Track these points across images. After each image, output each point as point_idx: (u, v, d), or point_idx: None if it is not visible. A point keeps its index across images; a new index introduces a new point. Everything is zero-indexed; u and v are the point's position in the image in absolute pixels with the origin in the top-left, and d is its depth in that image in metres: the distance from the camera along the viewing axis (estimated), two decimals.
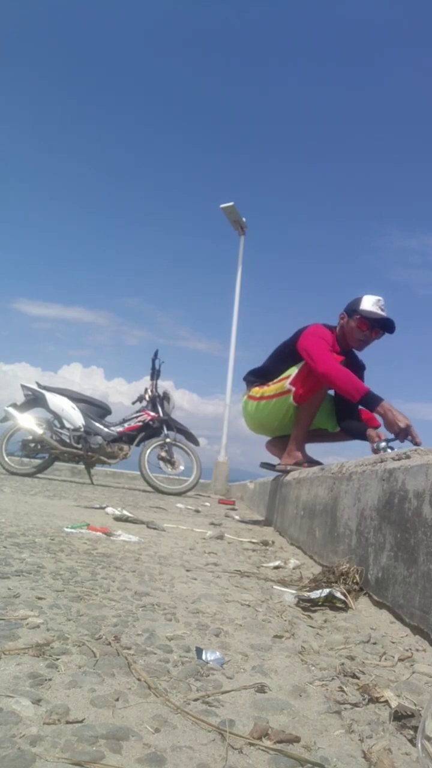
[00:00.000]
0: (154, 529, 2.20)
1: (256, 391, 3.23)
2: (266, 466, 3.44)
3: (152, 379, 5.95)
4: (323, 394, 3.03)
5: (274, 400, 3.13)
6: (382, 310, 2.92)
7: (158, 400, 5.81)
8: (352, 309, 2.95)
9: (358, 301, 2.94)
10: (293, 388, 2.97)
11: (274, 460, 3.38)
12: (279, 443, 3.32)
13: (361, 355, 3.16)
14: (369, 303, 2.91)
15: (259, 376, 3.28)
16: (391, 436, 2.60)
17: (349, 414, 3.15)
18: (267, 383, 3.19)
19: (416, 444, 2.58)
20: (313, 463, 2.95)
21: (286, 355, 3.09)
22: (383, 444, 2.62)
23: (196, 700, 0.61)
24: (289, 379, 2.99)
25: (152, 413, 5.71)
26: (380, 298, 2.93)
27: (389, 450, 2.53)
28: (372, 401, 2.66)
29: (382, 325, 2.93)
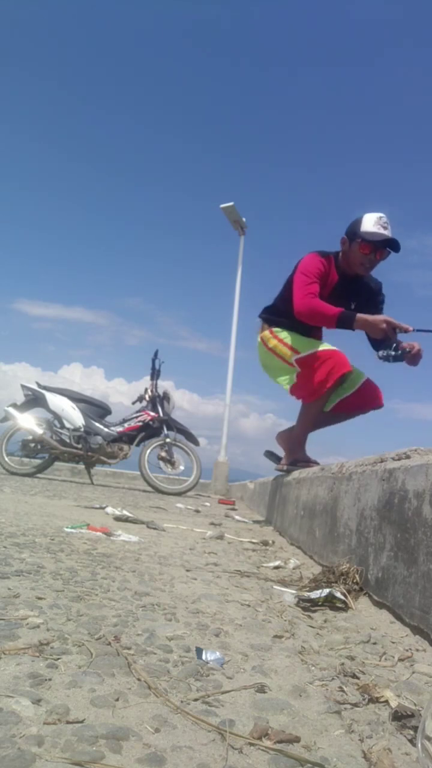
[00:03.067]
0: (154, 529, 2.20)
1: (268, 337, 3.07)
2: (269, 455, 3.39)
3: (152, 379, 5.95)
4: (326, 397, 2.95)
5: (280, 361, 3.01)
6: (385, 228, 2.71)
7: (158, 400, 5.81)
8: (353, 232, 2.74)
9: (357, 222, 2.73)
10: (298, 370, 2.90)
11: (281, 452, 3.31)
12: (288, 437, 3.24)
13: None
14: (370, 223, 2.70)
15: (272, 314, 3.13)
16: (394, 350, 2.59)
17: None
18: (278, 325, 3.04)
19: (406, 331, 2.61)
20: (310, 463, 2.92)
21: (290, 293, 2.94)
22: (382, 353, 2.62)
23: (196, 700, 0.61)
24: (298, 357, 2.89)
25: (152, 413, 5.71)
26: (382, 215, 2.72)
27: (392, 354, 2.58)
28: (347, 321, 2.62)
29: (385, 246, 2.74)
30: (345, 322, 2.66)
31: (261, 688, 0.66)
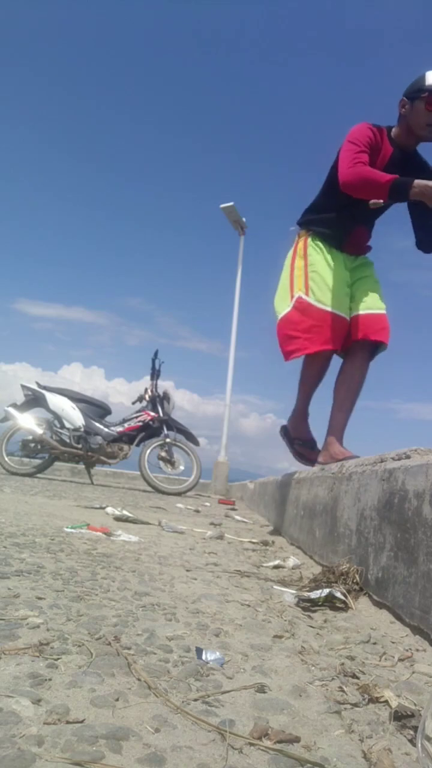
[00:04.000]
0: (173, 532, 2.19)
1: (301, 252, 2.64)
2: (284, 432, 2.88)
3: (152, 379, 5.95)
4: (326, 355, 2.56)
5: (288, 283, 2.64)
6: None
7: (158, 400, 5.81)
8: (416, 89, 2.37)
9: (420, 79, 2.36)
10: (289, 309, 2.56)
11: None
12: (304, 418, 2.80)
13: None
14: None
15: (312, 212, 2.71)
16: None
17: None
18: (320, 224, 2.62)
19: None
20: (305, 440, 2.68)
21: (333, 178, 2.53)
22: None
23: (196, 700, 0.61)
24: (302, 298, 2.54)
25: (152, 413, 5.72)
26: None
27: None
28: (402, 188, 2.23)
29: None
30: (400, 190, 2.24)
31: (261, 688, 0.66)
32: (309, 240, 2.64)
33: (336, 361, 2.69)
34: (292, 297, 2.60)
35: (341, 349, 2.65)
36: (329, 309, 2.50)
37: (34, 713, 0.52)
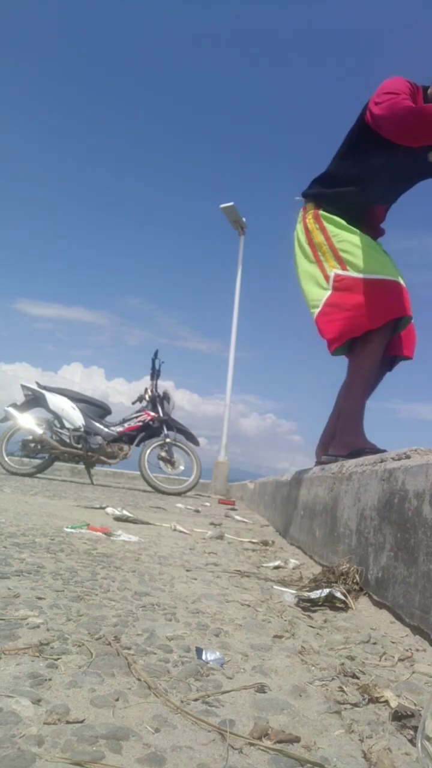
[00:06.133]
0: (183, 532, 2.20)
1: (313, 226, 2.21)
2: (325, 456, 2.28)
3: (152, 379, 5.96)
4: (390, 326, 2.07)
5: (317, 267, 2.18)
6: None
7: (158, 400, 5.81)
8: None
9: None
10: (329, 292, 2.09)
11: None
12: (334, 427, 2.30)
13: None
14: None
15: (325, 184, 2.28)
16: None
17: None
18: (336, 201, 2.21)
19: None
20: (375, 450, 1.96)
21: (354, 142, 2.17)
22: None
23: (196, 700, 0.61)
24: (340, 274, 2.10)
25: (152, 413, 5.72)
26: None
27: None
28: None
29: None
30: None
31: (261, 688, 0.66)
32: (321, 212, 2.23)
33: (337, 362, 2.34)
34: (327, 278, 2.15)
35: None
36: (378, 276, 2.07)
37: (34, 713, 0.52)
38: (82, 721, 0.52)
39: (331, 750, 0.53)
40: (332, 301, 2.12)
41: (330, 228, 2.19)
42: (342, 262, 2.13)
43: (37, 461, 5.60)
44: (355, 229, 2.18)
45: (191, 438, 5.78)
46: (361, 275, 2.07)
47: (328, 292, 2.13)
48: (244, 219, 11.28)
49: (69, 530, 1.76)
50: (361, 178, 2.18)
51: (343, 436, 2.16)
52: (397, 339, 2.22)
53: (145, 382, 6.02)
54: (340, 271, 2.12)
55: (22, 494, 3.05)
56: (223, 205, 11.01)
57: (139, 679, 0.64)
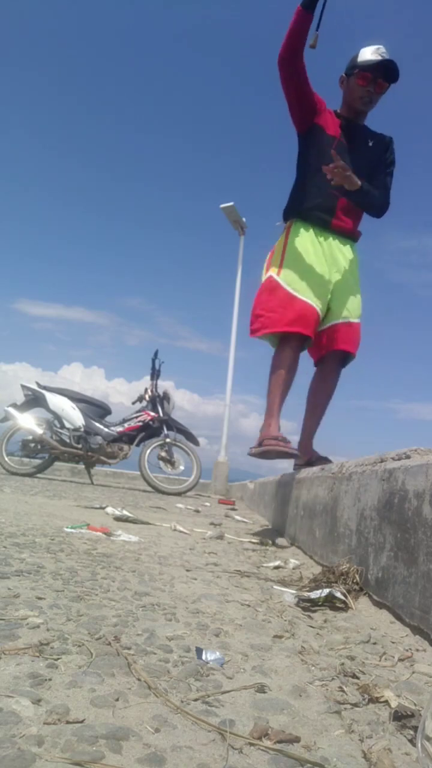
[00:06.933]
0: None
1: (280, 242, 2.66)
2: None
3: (152, 379, 5.96)
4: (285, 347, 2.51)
5: (267, 261, 2.67)
6: (383, 56, 2.55)
7: (158, 400, 5.81)
8: (350, 66, 2.60)
9: (354, 57, 2.59)
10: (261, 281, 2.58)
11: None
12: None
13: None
14: (367, 53, 2.55)
15: (290, 202, 2.71)
16: None
17: None
18: (298, 213, 2.63)
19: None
20: (277, 443, 2.39)
21: (301, 158, 2.68)
22: None
23: (196, 700, 0.61)
24: (270, 276, 2.55)
25: (152, 413, 5.72)
26: (380, 46, 2.57)
27: None
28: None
29: (383, 73, 2.53)
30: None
31: (261, 688, 0.66)
32: (294, 224, 2.62)
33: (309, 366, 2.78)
34: (266, 273, 2.62)
35: (316, 360, 2.75)
36: (297, 295, 2.48)
37: (34, 713, 0.52)
38: (82, 721, 0.52)
39: (331, 750, 0.53)
40: (258, 294, 2.60)
41: (293, 238, 2.59)
42: (281, 269, 2.55)
43: (37, 461, 5.59)
44: (312, 250, 2.55)
45: (191, 438, 5.78)
46: (286, 287, 2.50)
47: (261, 285, 2.61)
48: (244, 219, 11.28)
49: (69, 530, 1.76)
50: (316, 182, 2.57)
51: (261, 430, 2.53)
52: (331, 339, 2.63)
53: (145, 382, 6.02)
54: (275, 275, 2.55)
55: (22, 494, 3.05)
56: (223, 205, 11.01)
57: (139, 679, 0.64)
